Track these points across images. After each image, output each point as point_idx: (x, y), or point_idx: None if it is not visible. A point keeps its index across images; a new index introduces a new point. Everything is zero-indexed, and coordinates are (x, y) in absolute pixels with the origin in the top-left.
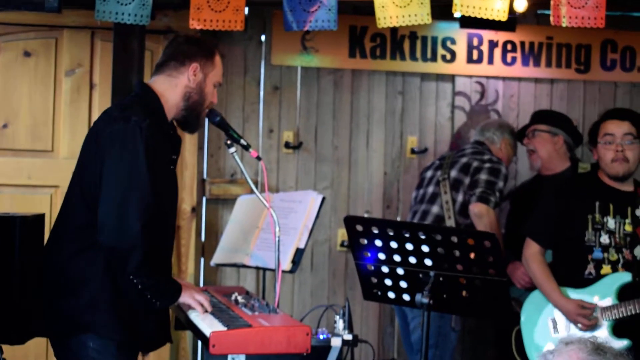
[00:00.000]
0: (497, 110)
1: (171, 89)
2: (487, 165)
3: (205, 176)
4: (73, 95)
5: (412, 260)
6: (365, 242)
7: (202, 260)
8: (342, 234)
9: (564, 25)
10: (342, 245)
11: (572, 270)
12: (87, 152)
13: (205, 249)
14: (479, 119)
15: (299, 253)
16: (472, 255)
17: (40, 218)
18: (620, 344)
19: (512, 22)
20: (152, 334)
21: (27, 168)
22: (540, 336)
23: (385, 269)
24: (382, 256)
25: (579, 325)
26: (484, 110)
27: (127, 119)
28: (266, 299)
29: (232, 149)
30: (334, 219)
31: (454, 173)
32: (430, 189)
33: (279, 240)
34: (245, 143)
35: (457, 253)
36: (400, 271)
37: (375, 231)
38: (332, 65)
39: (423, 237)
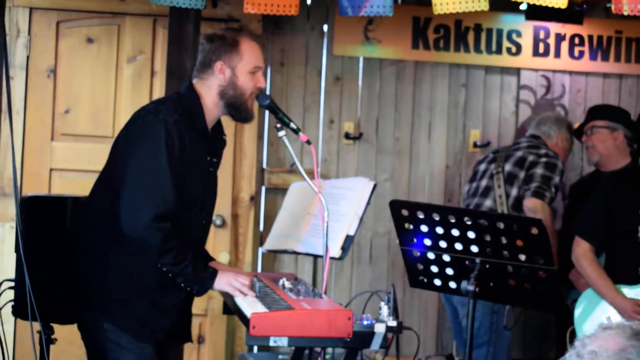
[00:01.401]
0: (564, 105)
1: (206, 92)
2: (544, 159)
3: (264, 165)
4: (134, 82)
5: (458, 246)
6: (411, 227)
7: (259, 249)
8: None
9: (625, 13)
10: None
11: (625, 268)
12: (119, 141)
13: (264, 238)
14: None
15: (348, 240)
16: (519, 243)
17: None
18: None
19: (580, 15)
20: (170, 329)
21: (87, 153)
22: None
23: (431, 256)
24: (428, 242)
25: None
26: (549, 105)
27: (157, 113)
28: (317, 286)
29: (282, 133)
30: None
31: (508, 167)
32: (484, 182)
33: (327, 226)
34: (295, 127)
35: (504, 240)
36: (446, 258)
37: (421, 216)
38: (395, 57)
39: (469, 222)
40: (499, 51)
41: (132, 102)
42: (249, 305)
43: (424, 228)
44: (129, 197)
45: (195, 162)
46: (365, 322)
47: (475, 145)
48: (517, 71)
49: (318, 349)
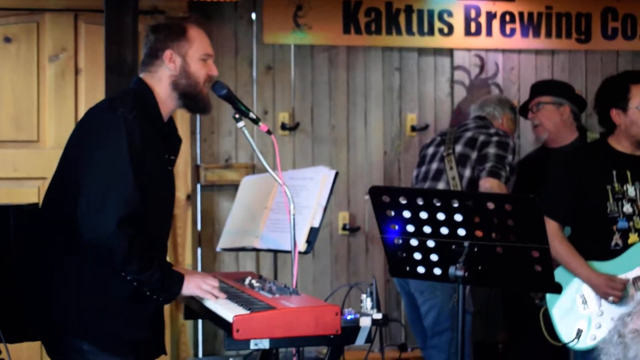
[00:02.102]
0: (498, 83)
1: (157, 84)
2: (495, 138)
3: (199, 162)
4: (58, 82)
5: (444, 231)
6: (393, 213)
7: (199, 249)
8: (343, 217)
9: None
10: (344, 228)
11: (596, 243)
12: (72, 143)
13: (202, 238)
14: (479, 93)
15: (313, 232)
16: (510, 222)
17: (34, 207)
18: None
19: None
20: (147, 342)
21: (11, 160)
22: (569, 314)
23: (414, 242)
24: (410, 228)
25: (611, 298)
26: (484, 84)
27: (114, 109)
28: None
29: (241, 123)
30: (334, 201)
31: (459, 148)
32: (434, 166)
33: (294, 220)
34: (254, 116)
35: (495, 221)
36: (430, 243)
37: (404, 202)
38: (327, 42)
39: (456, 205)
40: (431, 32)
41: (56, 103)
42: (226, 308)
43: (407, 214)
44: (89, 201)
45: (156, 161)
46: (349, 317)
47: (413, 129)
48: (450, 52)
49: (293, 350)
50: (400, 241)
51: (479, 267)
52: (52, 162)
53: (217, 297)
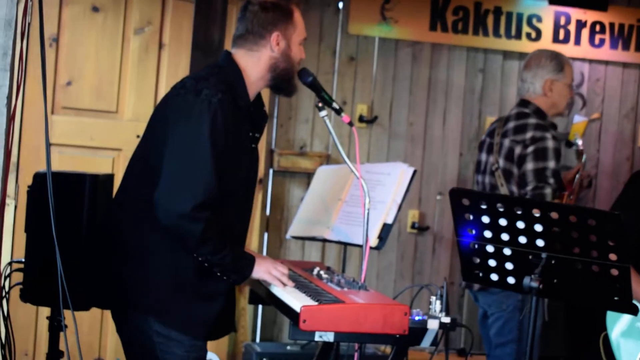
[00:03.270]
0: (582, 94)
1: (254, 64)
2: (530, 149)
3: (273, 147)
4: (141, 55)
5: (522, 240)
6: (471, 217)
7: (266, 234)
8: (412, 215)
9: None
10: (412, 227)
11: None
12: (156, 122)
13: (270, 223)
14: None
15: (386, 228)
16: (592, 238)
17: (110, 178)
18: None
19: (604, 1)
20: (216, 320)
21: (89, 129)
22: (631, 340)
23: (490, 249)
24: (488, 234)
25: None
26: None
27: (199, 92)
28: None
29: (324, 112)
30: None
31: (501, 162)
32: (487, 180)
33: (368, 214)
34: (337, 107)
35: (575, 234)
36: (507, 251)
37: (484, 206)
38: (412, 38)
39: (537, 215)
40: (518, 36)
41: (137, 76)
42: (294, 297)
43: (486, 219)
44: (168, 184)
45: (239, 141)
46: (416, 318)
47: None
48: None
49: (356, 345)
50: (476, 246)
51: (555, 280)
52: (128, 134)
53: (285, 285)
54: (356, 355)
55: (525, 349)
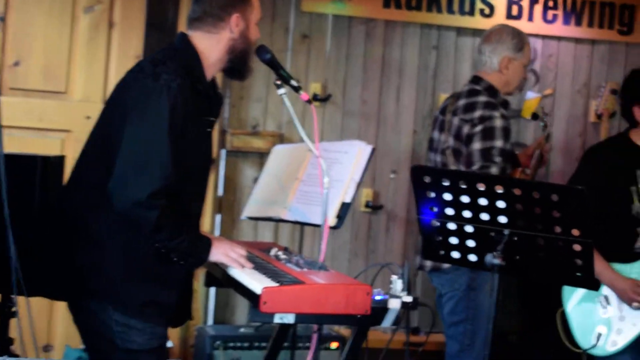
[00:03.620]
0: (535, 70)
1: (213, 46)
2: (478, 128)
3: (226, 127)
4: (91, 34)
5: (485, 217)
6: (433, 195)
7: (218, 216)
8: (366, 193)
9: None
10: (366, 206)
11: (619, 245)
12: (114, 105)
13: (223, 204)
14: None
15: (344, 207)
16: (555, 214)
17: (60, 160)
18: None
19: None
20: (176, 306)
21: (38, 110)
22: (588, 317)
23: (452, 226)
24: (450, 212)
25: (635, 304)
26: None
27: (157, 76)
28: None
29: (282, 90)
30: None
31: (451, 141)
32: (439, 159)
33: (327, 193)
34: (296, 84)
35: (538, 210)
36: (469, 229)
37: (446, 184)
38: (365, 15)
39: (500, 191)
40: (471, 12)
41: (87, 56)
42: (254, 278)
43: (448, 196)
44: (123, 171)
45: (197, 127)
46: (377, 297)
47: None
48: None
49: (314, 327)
50: (438, 224)
51: (517, 257)
52: (78, 114)
53: (243, 267)
54: (315, 336)
55: (477, 328)
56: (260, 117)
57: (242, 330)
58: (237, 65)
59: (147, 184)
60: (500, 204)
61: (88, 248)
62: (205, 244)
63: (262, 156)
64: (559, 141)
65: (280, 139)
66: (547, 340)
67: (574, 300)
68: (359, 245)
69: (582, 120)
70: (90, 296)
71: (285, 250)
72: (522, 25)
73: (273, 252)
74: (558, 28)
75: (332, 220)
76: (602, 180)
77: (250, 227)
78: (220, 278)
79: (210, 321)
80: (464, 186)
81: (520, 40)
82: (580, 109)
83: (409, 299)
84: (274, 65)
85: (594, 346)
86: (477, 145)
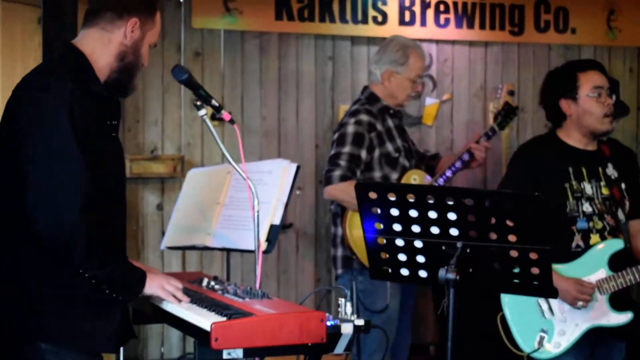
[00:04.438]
0: (432, 75)
1: (103, 45)
2: (335, 135)
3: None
4: None
5: (435, 230)
6: (379, 211)
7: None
8: None
9: None
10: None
11: (556, 245)
12: (6, 127)
13: (126, 234)
14: None
15: (273, 230)
16: (509, 223)
17: None
18: (624, 317)
19: None
20: (115, 332)
21: None
22: (530, 320)
23: (399, 242)
24: (397, 227)
25: (580, 304)
26: None
27: (47, 87)
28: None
29: (203, 112)
30: None
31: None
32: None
33: (258, 216)
34: (217, 104)
35: (492, 220)
36: (418, 244)
37: (392, 198)
38: (257, 28)
39: (450, 203)
40: (365, 21)
41: None
42: (197, 314)
43: (395, 212)
44: (40, 192)
45: (100, 131)
46: (329, 323)
47: None
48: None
49: None
50: (384, 241)
51: (470, 270)
52: None
53: (180, 301)
54: None
55: (389, 336)
56: (158, 141)
57: None
58: (122, 77)
59: (70, 201)
60: (452, 216)
61: (7, 284)
62: (139, 275)
63: (163, 181)
64: (459, 145)
65: (181, 162)
66: (487, 347)
67: (514, 303)
68: (269, 266)
69: (480, 123)
70: (18, 336)
71: (215, 279)
72: (416, 30)
73: (205, 282)
74: (451, 32)
75: (262, 245)
76: (536, 179)
77: (157, 257)
78: (150, 313)
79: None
80: (412, 200)
81: (404, 54)
82: (478, 112)
83: (360, 322)
84: (193, 85)
85: (537, 350)
86: (331, 151)
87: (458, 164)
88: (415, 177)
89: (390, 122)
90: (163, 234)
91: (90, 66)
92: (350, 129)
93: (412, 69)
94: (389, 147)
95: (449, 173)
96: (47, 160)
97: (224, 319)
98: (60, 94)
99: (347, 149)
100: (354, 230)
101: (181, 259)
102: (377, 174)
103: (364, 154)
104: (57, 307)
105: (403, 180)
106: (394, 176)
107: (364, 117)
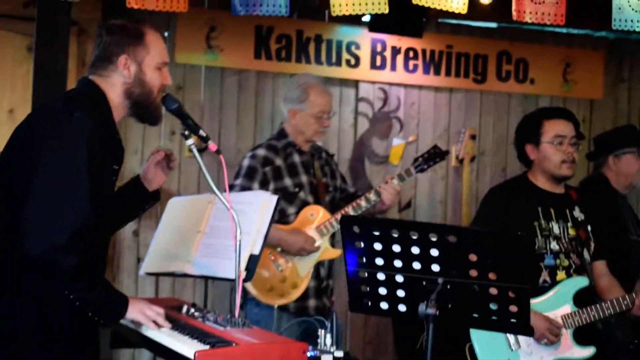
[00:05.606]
0: (399, 117)
1: (110, 90)
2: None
3: None
4: None
5: (417, 266)
6: (362, 245)
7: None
8: None
9: (527, 20)
10: None
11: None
12: (17, 143)
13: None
14: (381, 126)
15: (253, 260)
16: (489, 260)
17: None
18: (587, 352)
19: (420, 28)
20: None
21: None
22: (497, 351)
23: (381, 276)
24: (379, 261)
25: (545, 341)
26: (385, 118)
27: (70, 112)
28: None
29: (190, 141)
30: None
31: None
32: None
33: (240, 245)
34: (204, 134)
35: (473, 257)
36: (399, 278)
37: (376, 233)
38: (237, 66)
39: (434, 239)
40: (338, 63)
41: None
42: (179, 341)
43: (378, 246)
44: (39, 210)
45: (108, 173)
46: (309, 354)
47: None
48: (355, 83)
49: None
50: (366, 274)
51: (449, 306)
52: None
53: (160, 327)
54: None
55: None
56: (137, 169)
57: None
58: (139, 110)
59: (67, 225)
60: (434, 252)
61: None
62: (122, 299)
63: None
64: (422, 185)
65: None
66: None
67: (482, 334)
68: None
69: (444, 164)
70: None
71: (194, 306)
72: (386, 75)
73: (185, 309)
74: (419, 77)
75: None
76: (505, 219)
77: (132, 282)
78: (131, 339)
79: None
80: (395, 235)
81: (303, 91)
82: None
83: (339, 354)
84: (181, 115)
85: None
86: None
87: (362, 202)
88: (313, 212)
89: (296, 158)
90: (139, 260)
91: (108, 106)
92: (245, 162)
93: (314, 105)
94: (287, 182)
95: (349, 210)
96: (54, 180)
97: (207, 347)
98: (84, 124)
99: (238, 181)
100: None
101: (154, 285)
102: None
103: (256, 186)
104: (41, 330)
105: (300, 215)
106: (291, 210)
107: (260, 152)
